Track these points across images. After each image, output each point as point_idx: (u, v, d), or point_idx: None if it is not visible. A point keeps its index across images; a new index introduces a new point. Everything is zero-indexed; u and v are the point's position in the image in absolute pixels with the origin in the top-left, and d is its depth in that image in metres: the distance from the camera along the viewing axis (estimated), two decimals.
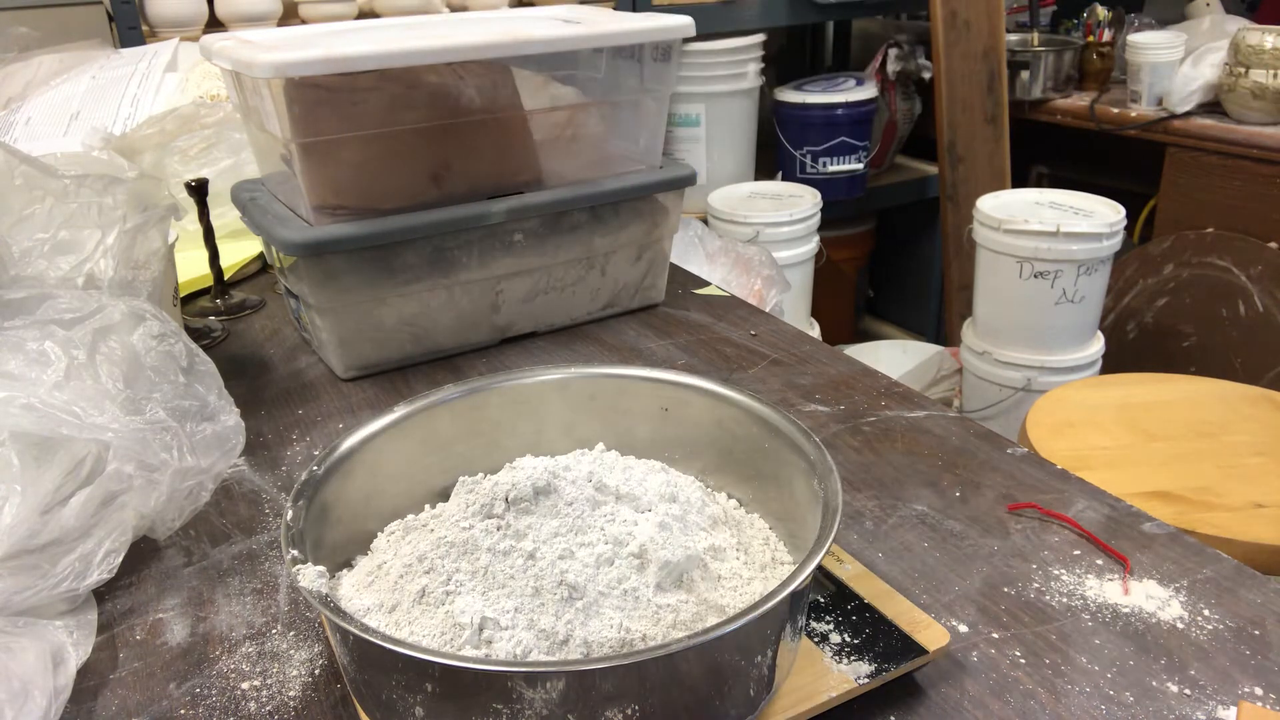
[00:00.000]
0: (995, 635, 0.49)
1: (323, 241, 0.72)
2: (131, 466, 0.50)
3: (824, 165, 2.25)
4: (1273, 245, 1.91)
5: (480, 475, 0.49)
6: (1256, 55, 1.91)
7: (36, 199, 0.66)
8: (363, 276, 0.75)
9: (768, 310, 1.22)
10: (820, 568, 0.47)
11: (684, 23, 0.79)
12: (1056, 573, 0.54)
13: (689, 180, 0.86)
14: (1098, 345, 1.85)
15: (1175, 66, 2.09)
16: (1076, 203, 1.81)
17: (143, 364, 0.55)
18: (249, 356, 0.85)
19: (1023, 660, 0.47)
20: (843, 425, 0.70)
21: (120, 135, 1.10)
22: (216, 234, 0.93)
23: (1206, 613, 0.50)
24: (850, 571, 0.51)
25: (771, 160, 2.30)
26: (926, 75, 2.30)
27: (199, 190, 0.89)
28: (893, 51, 2.33)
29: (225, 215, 0.98)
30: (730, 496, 0.54)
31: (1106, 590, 0.52)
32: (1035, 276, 1.75)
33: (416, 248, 0.76)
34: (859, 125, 2.23)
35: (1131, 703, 0.45)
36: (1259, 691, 0.45)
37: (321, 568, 0.41)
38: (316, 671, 0.48)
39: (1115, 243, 1.75)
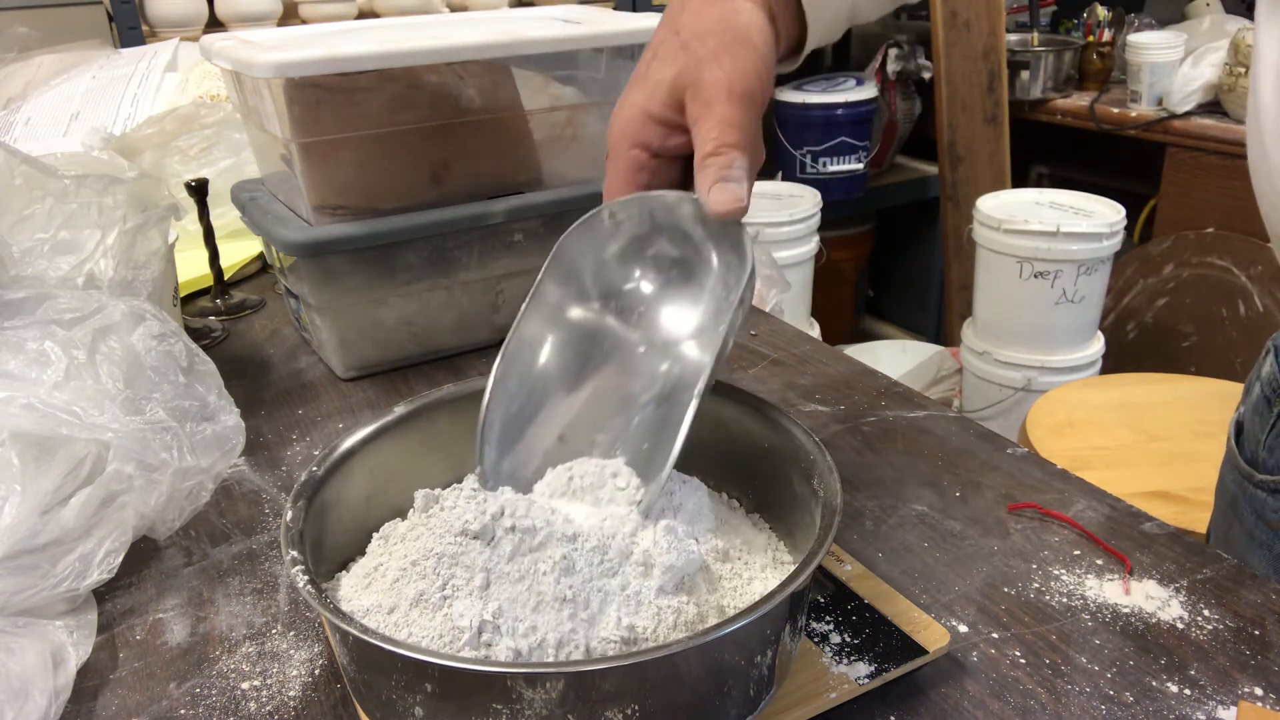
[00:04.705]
0: (995, 635, 0.49)
1: (323, 241, 0.72)
2: (131, 466, 0.50)
3: (824, 165, 2.25)
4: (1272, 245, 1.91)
5: (438, 491, 0.50)
6: None
7: (36, 199, 0.66)
8: (363, 276, 0.75)
9: (768, 310, 1.22)
10: (820, 568, 0.47)
11: None
12: (1056, 573, 0.54)
13: None
14: (1098, 345, 1.85)
15: (1175, 66, 2.09)
16: (1076, 203, 1.81)
17: (143, 364, 0.55)
18: (249, 356, 0.85)
19: (1023, 660, 0.47)
20: (843, 425, 0.70)
21: (120, 135, 1.10)
22: (216, 234, 0.93)
23: (1206, 613, 0.50)
24: (850, 571, 0.51)
25: (771, 160, 2.31)
26: (926, 75, 2.30)
27: (199, 190, 0.89)
28: (893, 51, 2.33)
29: (225, 215, 0.98)
30: (730, 496, 0.54)
31: (1106, 590, 0.52)
32: (1035, 276, 1.75)
33: (416, 248, 0.76)
34: (859, 125, 2.24)
35: (1131, 703, 0.45)
36: (1259, 691, 0.45)
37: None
38: (316, 671, 0.48)
39: (1115, 243, 1.75)
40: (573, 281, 0.50)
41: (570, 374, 0.50)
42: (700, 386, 0.43)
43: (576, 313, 0.50)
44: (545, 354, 0.50)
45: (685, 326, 0.49)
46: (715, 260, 0.48)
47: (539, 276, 0.49)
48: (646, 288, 0.50)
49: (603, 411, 0.50)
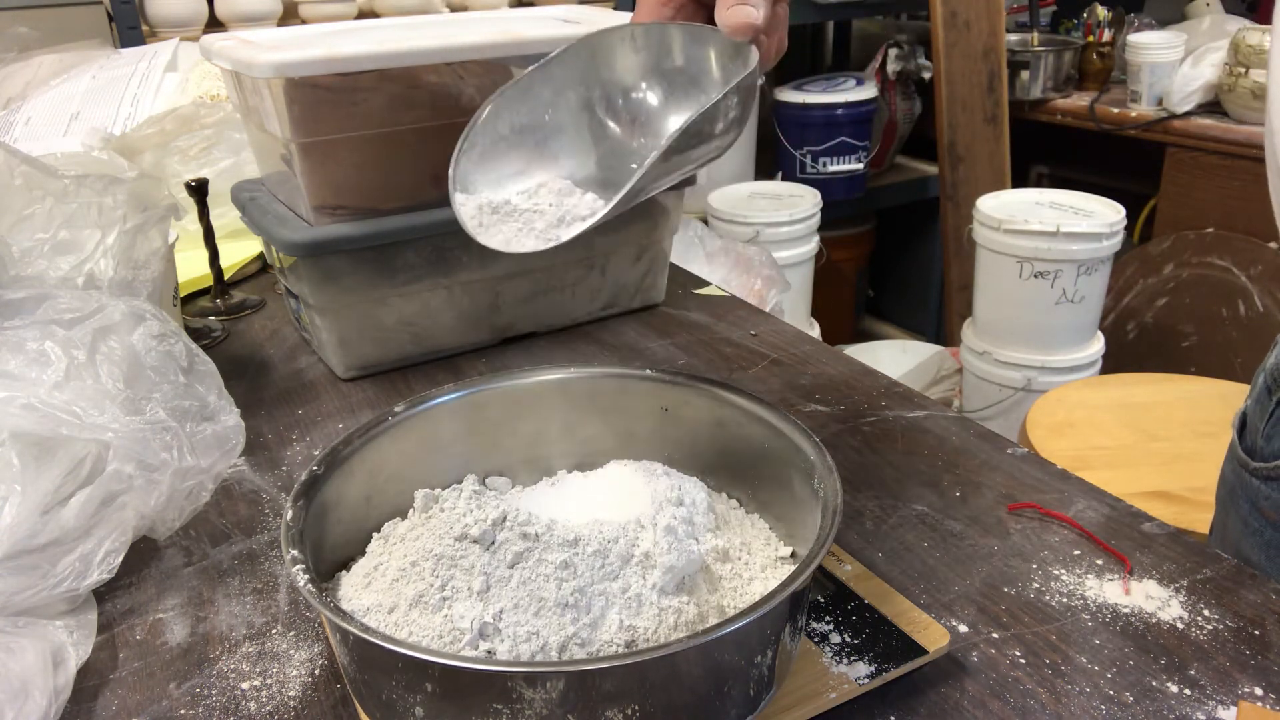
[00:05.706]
0: (995, 635, 0.49)
1: (323, 241, 0.72)
2: (131, 466, 0.50)
3: (824, 165, 2.25)
4: (1273, 245, 1.91)
5: (438, 491, 0.50)
6: (1256, 55, 1.91)
7: (36, 199, 0.66)
8: (363, 276, 0.75)
9: (768, 310, 1.22)
10: (820, 568, 0.47)
11: None
12: (1056, 573, 0.54)
13: (689, 180, 0.86)
14: (1098, 345, 1.85)
15: (1175, 66, 2.09)
16: (1076, 203, 1.81)
17: (143, 364, 0.55)
18: (249, 356, 0.85)
19: (1023, 660, 0.47)
20: (843, 425, 0.70)
21: (120, 135, 1.10)
22: (216, 234, 0.93)
23: (1206, 613, 0.50)
24: (850, 571, 0.51)
25: (771, 160, 2.30)
26: (926, 75, 2.30)
27: (199, 190, 0.89)
28: (893, 51, 2.33)
29: (225, 215, 0.98)
30: (730, 497, 0.54)
31: (1106, 590, 0.52)
32: (1035, 276, 1.75)
33: (416, 248, 0.76)
34: (859, 125, 2.23)
35: (1131, 703, 0.45)
36: (1259, 691, 0.45)
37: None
38: (316, 671, 0.48)
39: (1115, 243, 1.75)
40: (582, 75, 0.52)
41: (557, 146, 0.52)
42: (675, 131, 0.44)
43: (578, 96, 0.52)
44: (537, 115, 0.51)
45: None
46: (722, 81, 0.50)
47: (552, 53, 0.51)
48: (652, 99, 0.52)
49: (579, 177, 0.51)
